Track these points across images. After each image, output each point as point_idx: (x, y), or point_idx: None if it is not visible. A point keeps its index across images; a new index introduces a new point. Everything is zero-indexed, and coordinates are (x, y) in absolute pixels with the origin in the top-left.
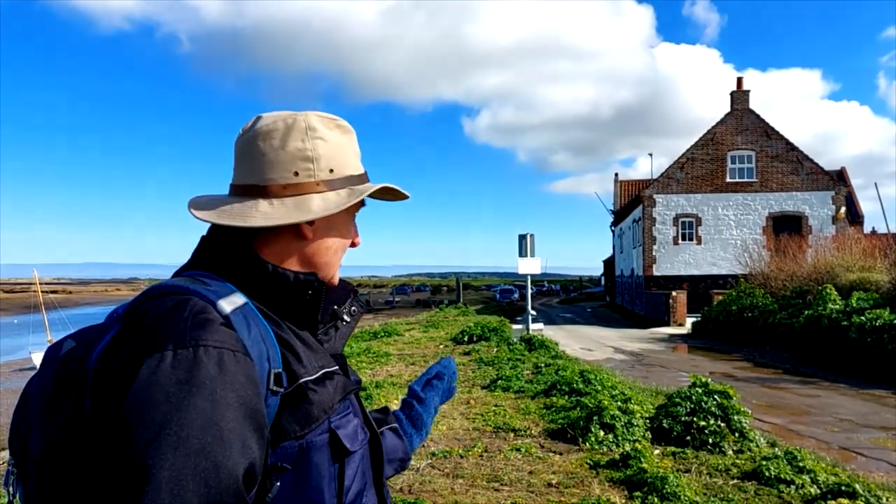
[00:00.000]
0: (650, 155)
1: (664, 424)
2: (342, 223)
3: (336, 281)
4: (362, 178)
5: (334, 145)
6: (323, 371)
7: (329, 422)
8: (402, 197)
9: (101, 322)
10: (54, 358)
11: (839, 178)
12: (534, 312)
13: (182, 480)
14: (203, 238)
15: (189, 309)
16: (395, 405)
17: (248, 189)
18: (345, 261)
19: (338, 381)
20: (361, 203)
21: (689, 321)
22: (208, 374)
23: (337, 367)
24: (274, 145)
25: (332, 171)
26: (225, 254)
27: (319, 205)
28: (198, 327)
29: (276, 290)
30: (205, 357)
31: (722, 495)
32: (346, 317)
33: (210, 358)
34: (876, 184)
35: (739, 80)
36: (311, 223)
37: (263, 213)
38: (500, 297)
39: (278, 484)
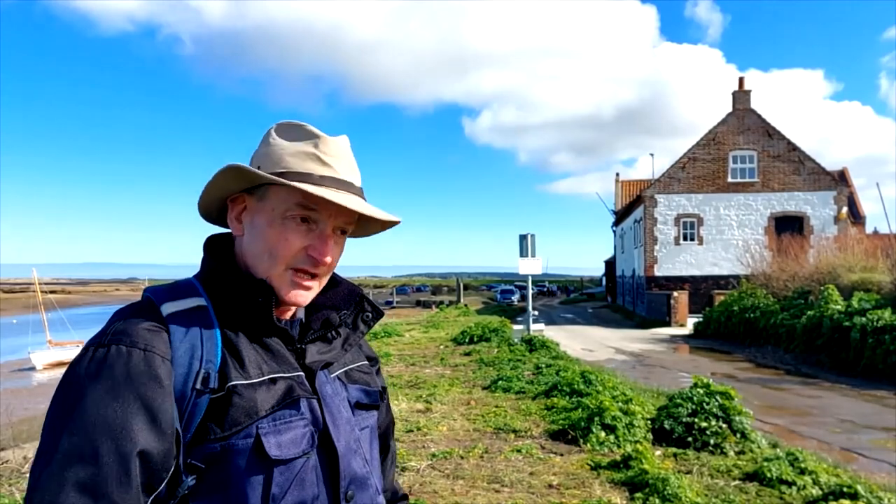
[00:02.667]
0: (651, 155)
1: (665, 425)
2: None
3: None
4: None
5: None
6: (269, 377)
7: (257, 427)
8: (387, 222)
9: None
10: None
11: (841, 179)
12: (535, 313)
13: (71, 459)
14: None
15: (130, 310)
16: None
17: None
18: (345, 260)
19: (280, 388)
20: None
21: (691, 322)
22: (113, 369)
23: (296, 375)
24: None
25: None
26: (204, 257)
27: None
28: (121, 327)
29: (231, 293)
30: (115, 354)
31: (723, 496)
32: (341, 329)
33: (119, 355)
34: (878, 184)
35: (741, 80)
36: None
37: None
38: (501, 298)
39: (189, 480)
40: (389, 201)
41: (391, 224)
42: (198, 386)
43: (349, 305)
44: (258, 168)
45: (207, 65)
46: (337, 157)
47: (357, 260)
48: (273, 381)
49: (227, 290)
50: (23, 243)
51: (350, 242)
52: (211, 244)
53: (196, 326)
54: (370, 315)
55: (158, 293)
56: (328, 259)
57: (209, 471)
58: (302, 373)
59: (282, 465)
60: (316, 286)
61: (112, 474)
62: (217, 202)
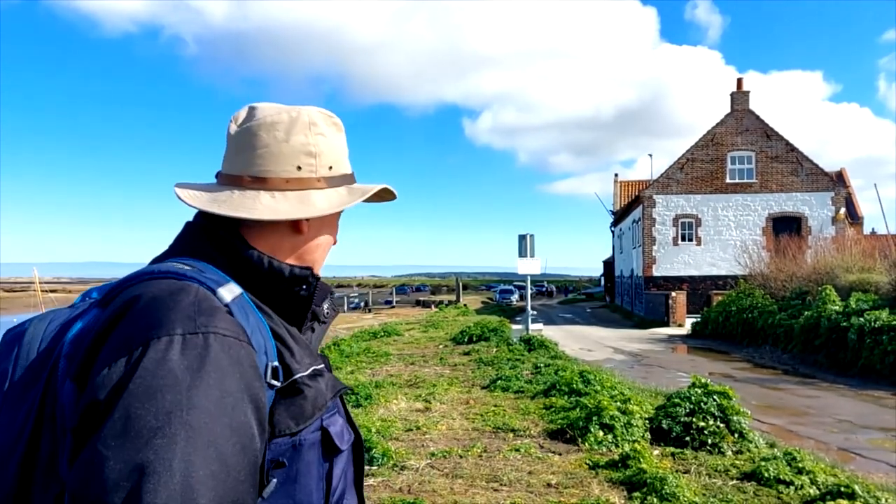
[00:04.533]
0: (650, 156)
1: (663, 425)
2: (333, 221)
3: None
4: (352, 178)
5: (332, 142)
6: (313, 368)
7: (321, 420)
8: (391, 198)
9: (70, 305)
10: (15, 343)
11: (839, 179)
12: (534, 313)
13: (192, 471)
14: (189, 225)
15: (194, 294)
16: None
17: (245, 180)
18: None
19: (328, 379)
20: None
21: (689, 322)
22: (219, 361)
23: (323, 366)
24: (278, 137)
25: (331, 168)
26: (217, 243)
27: (323, 201)
28: (206, 313)
29: (269, 284)
30: (215, 344)
31: (721, 496)
32: (323, 317)
33: (221, 345)
34: (875, 185)
35: (739, 81)
36: (307, 219)
37: (268, 206)
38: (500, 298)
39: (275, 480)
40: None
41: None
42: (269, 380)
43: (322, 300)
44: (330, 168)
45: (210, 65)
46: None
47: (357, 260)
48: (319, 371)
49: (266, 279)
50: (24, 242)
51: (350, 242)
52: (212, 228)
53: (251, 314)
54: (332, 311)
55: (199, 276)
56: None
57: (285, 467)
58: (323, 364)
59: (339, 455)
60: None
61: (245, 479)
62: None
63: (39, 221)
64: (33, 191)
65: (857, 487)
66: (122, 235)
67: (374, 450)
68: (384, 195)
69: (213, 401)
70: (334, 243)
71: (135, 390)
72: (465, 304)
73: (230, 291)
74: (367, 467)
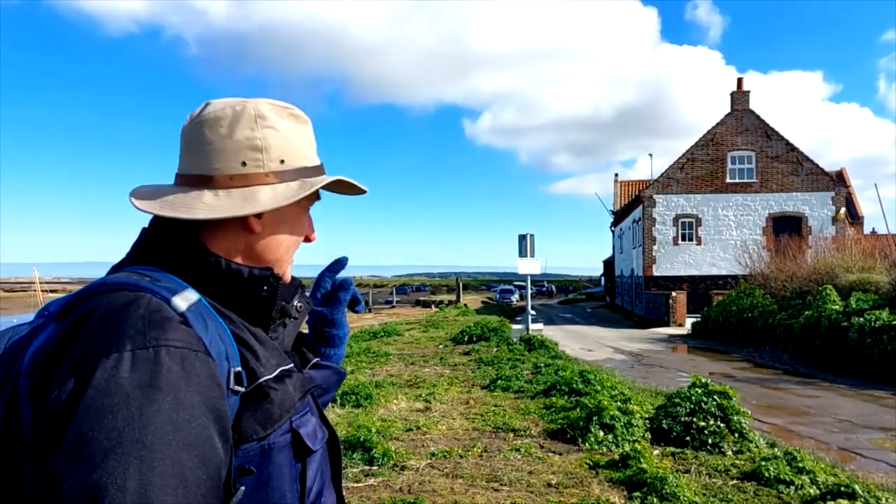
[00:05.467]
0: (650, 156)
1: (664, 425)
2: (294, 217)
3: (288, 278)
4: (317, 171)
5: (286, 135)
6: (280, 369)
7: (290, 421)
8: (360, 191)
9: (30, 320)
10: None
11: (839, 179)
12: (534, 312)
13: (148, 489)
14: (145, 230)
15: (144, 306)
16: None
17: (193, 179)
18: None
19: (296, 379)
20: (316, 196)
21: (689, 321)
22: (172, 376)
23: (293, 365)
24: (221, 133)
25: (282, 161)
26: (172, 247)
27: (268, 197)
28: (157, 326)
29: (228, 286)
30: (167, 358)
31: (721, 496)
32: (294, 313)
33: (173, 359)
34: (876, 185)
35: (740, 81)
36: (258, 216)
37: (208, 205)
38: (500, 297)
39: (243, 488)
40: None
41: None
42: (232, 386)
43: (292, 296)
44: (281, 162)
45: (211, 66)
46: None
47: (357, 260)
48: (287, 373)
49: (224, 283)
50: (24, 242)
51: (351, 242)
52: (166, 233)
53: (210, 321)
54: (304, 305)
55: (153, 285)
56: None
57: (255, 474)
58: (292, 363)
59: (313, 455)
60: None
61: (205, 494)
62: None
63: (39, 221)
64: (33, 191)
65: (857, 487)
66: (121, 236)
67: (374, 450)
68: (353, 188)
69: (167, 416)
70: (309, 240)
71: (85, 411)
72: (465, 304)
73: (185, 299)
74: (367, 467)
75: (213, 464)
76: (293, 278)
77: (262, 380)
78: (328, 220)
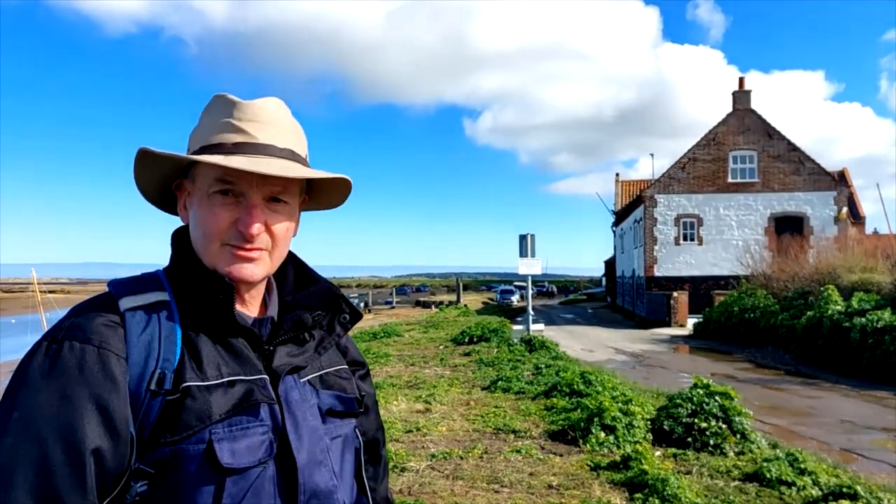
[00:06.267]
0: (651, 155)
1: (665, 426)
2: (205, 209)
3: (239, 276)
4: (208, 149)
5: (198, 126)
6: (227, 379)
7: (209, 432)
8: (339, 202)
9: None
10: None
11: (841, 179)
12: (534, 313)
13: (13, 461)
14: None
15: (90, 303)
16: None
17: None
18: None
19: (237, 392)
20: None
21: (691, 322)
22: (65, 366)
23: (258, 378)
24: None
25: (189, 149)
26: (172, 249)
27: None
28: (80, 322)
29: (195, 289)
30: (68, 351)
31: (723, 497)
32: (315, 331)
33: (72, 351)
34: (878, 184)
35: (741, 81)
36: (183, 205)
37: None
38: (501, 298)
39: (139, 486)
40: (390, 201)
41: (346, 187)
42: (152, 387)
43: (324, 306)
44: (189, 149)
45: (210, 66)
46: (255, 121)
47: (357, 260)
48: (231, 383)
49: (188, 285)
50: (23, 243)
51: (351, 242)
52: (177, 236)
53: (155, 323)
54: (347, 317)
55: (120, 286)
56: (255, 230)
57: (160, 477)
58: (265, 376)
59: (235, 475)
60: (263, 259)
61: (65, 477)
62: (162, 191)
63: (38, 222)
64: (33, 191)
65: (859, 488)
66: (121, 236)
67: None
68: (340, 189)
69: (46, 402)
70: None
71: (7, 386)
72: (465, 305)
73: (136, 301)
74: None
75: (80, 453)
76: (329, 285)
77: (187, 384)
78: (328, 219)
